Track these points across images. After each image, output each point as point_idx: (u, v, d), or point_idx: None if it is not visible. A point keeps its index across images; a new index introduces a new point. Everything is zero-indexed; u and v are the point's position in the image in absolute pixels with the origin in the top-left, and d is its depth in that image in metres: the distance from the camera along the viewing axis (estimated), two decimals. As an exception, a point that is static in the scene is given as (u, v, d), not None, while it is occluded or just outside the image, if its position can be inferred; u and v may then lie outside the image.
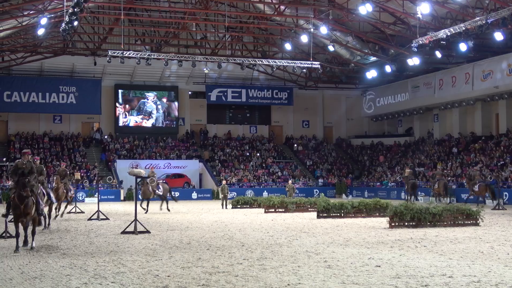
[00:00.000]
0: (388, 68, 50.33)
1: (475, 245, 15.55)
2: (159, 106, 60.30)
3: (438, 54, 44.28)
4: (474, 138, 52.09)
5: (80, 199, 43.83)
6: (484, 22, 35.31)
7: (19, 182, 15.24)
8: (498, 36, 37.69)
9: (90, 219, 26.40)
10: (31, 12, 42.36)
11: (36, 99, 55.27)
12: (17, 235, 15.14)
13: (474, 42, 39.87)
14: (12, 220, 15.70)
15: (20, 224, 15.22)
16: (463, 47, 39.87)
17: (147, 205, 31.52)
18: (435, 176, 41.67)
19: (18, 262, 13.08)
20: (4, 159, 51.29)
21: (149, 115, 60.12)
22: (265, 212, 31.40)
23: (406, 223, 20.84)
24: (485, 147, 49.01)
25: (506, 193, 38.75)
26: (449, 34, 38.00)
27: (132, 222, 19.86)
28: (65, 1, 37.35)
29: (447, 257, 13.33)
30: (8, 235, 18.20)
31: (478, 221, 21.61)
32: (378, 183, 53.64)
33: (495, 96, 48.60)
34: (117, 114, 59.00)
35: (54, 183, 28.03)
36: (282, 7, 44.62)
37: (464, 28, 36.99)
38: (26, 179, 15.22)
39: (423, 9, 37.85)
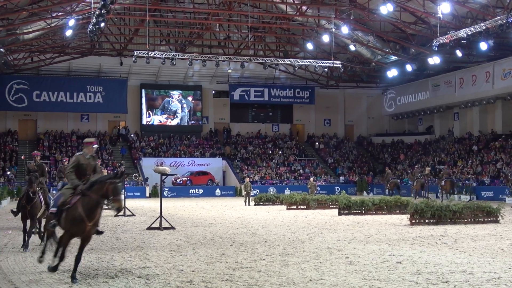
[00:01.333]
0: (408, 67, 50.07)
1: (495, 242, 15.43)
2: (184, 105, 60.48)
3: (459, 53, 43.98)
4: (494, 136, 51.65)
5: (107, 195, 44.10)
6: (504, 21, 35.08)
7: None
8: (519, 35, 37.41)
9: (116, 215, 26.57)
10: (59, 14, 42.67)
11: (64, 99, 55.72)
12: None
13: (494, 41, 39.57)
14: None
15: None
16: (483, 46, 39.59)
17: None
18: (442, 174, 41.80)
19: (48, 256, 13.20)
20: (22, 157, 51.81)
21: (173, 114, 60.32)
22: (287, 209, 31.40)
23: (427, 220, 20.75)
24: (505, 145, 48.57)
25: (526, 190, 38.35)
26: (469, 33, 37.74)
27: (157, 218, 19.99)
28: (92, 3, 37.56)
29: (467, 254, 13.25)
30: (37, 230, 18.39)
31: (498, 219, 21.47)
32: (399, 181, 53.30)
33: (516, 94, 48.25)
34: (142, 113, 59.28)
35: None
36: (304, 8, 44.52)
37: (484, 27, 36.74)
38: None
39: (444, 9, 37.65)
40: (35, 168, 14.71)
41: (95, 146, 11.79)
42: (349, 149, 62.39)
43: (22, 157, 49.45)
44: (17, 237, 17.58)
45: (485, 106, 52.76)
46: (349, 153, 61.56)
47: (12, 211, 16.33)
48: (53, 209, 11.00)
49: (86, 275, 10.71)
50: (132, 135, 58.63)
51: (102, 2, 34.16)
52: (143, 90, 59.27)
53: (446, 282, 9.84)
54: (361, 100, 64.77)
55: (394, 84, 59.53)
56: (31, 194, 14.82)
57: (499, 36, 39.56)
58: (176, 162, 53.99)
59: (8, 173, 49.17)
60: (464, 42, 39.17)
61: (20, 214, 15.55)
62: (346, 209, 26.69)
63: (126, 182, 42.35)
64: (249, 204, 36.51)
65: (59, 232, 11.19)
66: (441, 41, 39.52)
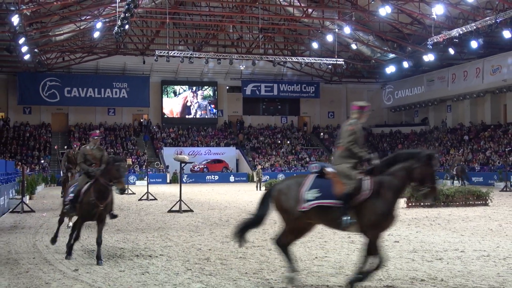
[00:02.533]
0: (405, 64, 49.84)
1: (485, 223, 15.38)
2: (201, 100, 60.51)
3: (451, 51, 43.75)
4: (483, 126, 51.45)
5: (132, 182, 44.26)
6: (493, 21, 34.98)
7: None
8: (507, 34, 37.22)
9: (140, 199, 26.67)
10: (87, 18, 42.77)
11: (93, 94, 55.92)
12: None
13: (484, 40, 39.34)
14: None
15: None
16: (474, 44, 39.41)
17: None
18: (455, 161, 41.29)
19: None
20: (65, 147, 52.06)
21: (191, 107, 60.37)
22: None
23: (422, 204, 20.69)
24: (494, 135, 48.38)
25: (513, 176, 38.13)
26: (461, 32, 37.61)
27: (177, 202, 20.04)
28: (117, 7, 37.61)
29: (459, 234, 13.21)
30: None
31: (487, 202, 21.39)
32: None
33: (503, 89, 48.15)
34: (163, 107, 59.38)
35: None
36: (310, 10, 44.39)
37: (475, 27, 36.58)
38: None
39: (438, 10, 37.59)
40: (94, 154, 12.92)
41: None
42: (351, 139, 62.15)
43: (55, 147, 49.73)
44: (51, 219, 17.67)
45: (475, 99, 52.60)
46: (351, 143, 61.34)
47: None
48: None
49: (113, 254, 10.76)
50: (154, 127, 58.78)
51: (127, 6, 34.19)
52: (164, 86, 59.38)
53: (439, 259, 9.81)
54: (362, 94, 64.45)
55: (392, 80, 59.32)
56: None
57: (488, 35, 39.31)
58: (194, 151, 54.09)
59: (43, 161, 49.45)
60: (456, 41, 39.02)
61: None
62: (348, 193, 26.64)
63: (149, 170, 42.68)
64: (260, 189, 36.53)
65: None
66: (435, 40, 39.37)
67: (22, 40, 39.11)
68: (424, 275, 8.45)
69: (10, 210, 20.12)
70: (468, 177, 38.92)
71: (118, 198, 28.12)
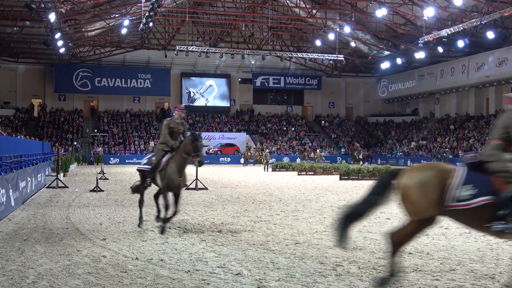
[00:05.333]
0: (398, 60, 49.56)
1: (467, 204, 15.30)
2: (216, 90, 60.46)
3: (440, 49, 43.49)
4: (468, 117, 51.16)
5: (154, 162, 44.38)
6: (479, 23, 34.68)
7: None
8: (490, 34, 36.90)
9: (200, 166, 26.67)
10: (116, 16, 42.72)
11: (120, 84, 55.97)
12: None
13: (470, 40, 39.06)
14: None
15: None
16: (461, 43, 39.14)
17: None
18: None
19: (106, 210, 13.36)
20: (96, 130, 52.28)
21: (207, 97, 60.35)
22: (298, 174, 31.42)
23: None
24: (477, 125, 48.12)
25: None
26: (449, 32, 37.36)
27: (193, 181, 20.09)
28: (143, 6, 37.52)
29: (444, 212, 13.16)
30: (98, 189, 18.60)
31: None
32: (389, 153, 53.14)
33: (486, 84, 47.84)
34: (182, 96, 59.38)
35: None
36: (314, 11, 44.13)
37: (462, 28, 36.31)
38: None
39: (429, 13, 37.34)
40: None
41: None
42: (349, 126, 62.10)
43: (86, 130, 49.92)
44: (82, 194, 17.78)
45: (461, 93, 52.36)
46: (349, 130, 61.27)
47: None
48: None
49: (136, 225, 10.81)
50: (173, 114, 58.74)
51: (151, 6, 34.11)
52: (183, 78, 59.35)
53: (426, 235, 9.78)
54: (359, 87, 64.30)
55: (387, 74, 58.97)
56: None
57: (474, 36, 38.99)
58: (209, 136, 54.10)
59: (75, 143, 49.67)
60: (445, 40, 38.75)
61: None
62: (345, 175, 26.65)
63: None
64: (267, 170, 36.59)
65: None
66: (426, 39, 39.11)
67: (58, 35, 39.14)
68: (412, 249, 8.44)
69: (46, 186, 20.25)
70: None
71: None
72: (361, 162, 45.19)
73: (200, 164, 9.93)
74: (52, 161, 26.50)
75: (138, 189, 10.90)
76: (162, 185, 9.95)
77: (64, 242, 8.92)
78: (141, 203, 10.73)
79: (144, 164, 10.47)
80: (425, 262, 7.54)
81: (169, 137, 10.13)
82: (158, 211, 10.58)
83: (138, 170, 10.76)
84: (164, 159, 9.94)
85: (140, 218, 10.56)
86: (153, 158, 10.23)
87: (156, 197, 10.78)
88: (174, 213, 9.84)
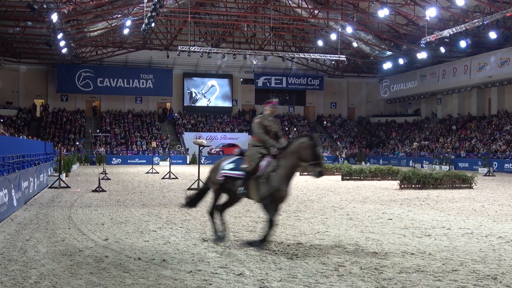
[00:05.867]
0: (400, 61, 49.54)
1: (469, 204, 15.32)
2: (218, 90, 60.47)
3: (442, 50, 43.45)
4: (470, 118, 51.11)
5: (156, 162, 44.39)
6: (481, 23, 34.64)
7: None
8: (492, 35, 36.88)
9: (163, 178, 26.78)
10: (118, 16, 42.75)
11: (122, 84, 56.01)
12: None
13: (472, 40, 39.07)
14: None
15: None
16: (463, 44, 39.10)
17: None
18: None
19: (108, 210, 13.37)
20: (98, 130, 52.33)
21: (209, 97, 60.37)
22: (300, 175, 31.37)
23: (413, 186, 20.64)
24: (479, 126, 48.06)
25: (496, 162, 38.00)
26: (451, 33, 37.30)
27: (196, 181, 20.12)
28: (145, 6, 37.55)
29: (446, 213, 13.17)
30: (100, 189, 18.61)
31: (472, 185, 21.29)
32: (391, 154, 53.11)
33: (488, 84, 47.82)
34: (184, 96, 59.42)
35: None
36: (316, 11, 44.11)
37: (464, 28, 36.27)
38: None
39: (431, 13, 37.30)
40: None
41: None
42: (351, 127, 62.06)
43: (89, 130, 49.97)
44: (84, 194, 17.79)
45: (463, 93, 52.32)
46: (351, 130, 61.24)
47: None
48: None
49: (138, 225, 10.83)
50: (175, 114, 58.85)
51: (153, 6, 34.15)
52: (185, 78, 59.38)
53: (428, 235, 9.80)
54: (361, 87, 64.28)
55: (389, 74, 58.94)
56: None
57: (476, 36, 38.96)
58: (211, 136, 54.12)
59: (78, 143, 49.72)
60: (447, 40, 38.71)
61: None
62: (347, 175, 26.63)
63: (171, 152, 42.83)
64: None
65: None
66: (428, 40, 39.07)
67: (60, 36, 39.20)
68: (414, 249, 8.45)
69: (49, 186, 20.28)
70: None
71: (143, 176, 28.33)
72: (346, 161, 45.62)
73: (320, 175, 8.17)
74: (55, 161, 26.53)
75: (195, 201, 9.59)
76: (263, 195, 8.32)
77: (66, 242, 8.93)
78: (213, 214, 9.18)
79: (231, 169, 8.75)
80: (427, 262, 7.54)
81: (267, 137, 8.55)
82: (216, 230, 9.05)
83: (224, 176, 8.86)
84: (264, 163, 8.34)
85: (216, 232, 9.05)
86: (246, 162, 8.52)
87: (212, 213, 9.20)
88: (270, 227, 8.19)
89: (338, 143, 49.53)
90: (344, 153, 44.69)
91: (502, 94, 48.87)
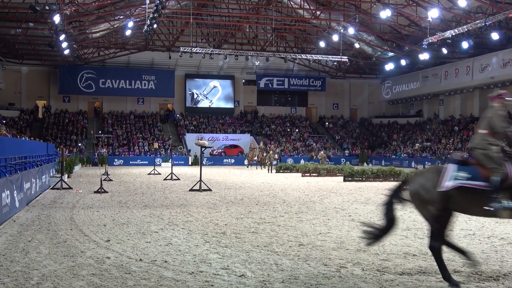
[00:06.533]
0: (403, 62, 49.48)
1: (472, 205, 15.26)
2: (220, 91, 60.50)
3: (444, 50, 43.39)
4: (472, 119, 51.00)
5: (158, 163, 44.42)
6: (483, 24, 34.57)
7: None
8: (495, 35, 36.82)
9: (165, 179, 26.80)
10: (120, 17, 42.78)
11: (124, 85, 56.06)
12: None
13: (474, 41, 38.97)
14: None
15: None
16: (465, 44, 39.03)
17: None
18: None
19: (110, 211, 13.38)
20: (100, 131, 52.38)
21: (211, 98, 60.40)
22: (302, 176, 31.38)
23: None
24: (482, 126, 47.97)
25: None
26: (454, 34, 37.24)
27: (197, 182, 20.11)
28: (147, 8, 37.58)
29: (448, 214, 13.13)
30: (102, 190, 18.63)
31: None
32: (393, 155, 53.08)
33: (491, 85, 47.61)
34: (186, 97, 59.48)
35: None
36: (318, 12, 44.11)
37: (466, 29, 36.20)
38: None
39: (433, 14, 37.25)
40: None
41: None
42: (353, 128, 62.04)
43: (91, 132, 50.04)
44: (86, 195, 17.80)
45: (466, 94, 52.26)
46: (353, 132, 61.21)
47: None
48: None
49: (140, 226, 10.83)
50: (177, 115, 58.89)
51: (155, 8, 34.17)
52: (187, 79, 59.44)
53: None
54: (363, 88, 64.24)
55: (391, 76, 58.90)
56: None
57: (478, 37, 38.90)
58: (213, 137, 54.14)
59: (80, 144, 49.76)
60: (449, 41, 38.63)
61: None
62: (349, 176, 26.60)
63: (173, 153, 42.84)
64: (271, 172, 36.57)
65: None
66: (430, 41, 39.01)
67: (62, 37, 39.23)
68: (416, 250, 8.44)
69: (51, 187, 20.30)
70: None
71: (145, 178, 28.34)
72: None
73: None
74: (57, 162, 26.55)
75: (383, 232, 7.03)
76: None
77: (68, 243, 8.94)
78: (441, 247, 6.74)
79: (464, 179, 6.52)
80: (430, 264, 7.53)
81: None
82: (447, 270, 6.61)
83: (458, 188, 6.48)
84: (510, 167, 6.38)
85: (444, 268, 6.59)
86: (490, 168, 6.46)
87: (440, 247, 6.73)
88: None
89: (314, 144, 49.13)
90: (319, 154, 44.69)
91: (504, 95, 48.75)
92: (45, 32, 42.16)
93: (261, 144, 46.74)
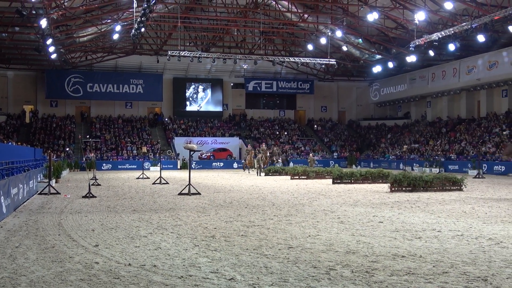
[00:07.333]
0: (390, 64, 49.76)
1: (459, 206, 15.38)
2: (208, 95, 60.46)
3: (431, 53, 43.68)
4: (459, 120, 51.42)
5: (146, 167, 44.28)
6: (469, 26, 34.87)
7: None
8: (481, 38, 37.10)
9: (154, 183, 26.70)
10: (108, 21, 42.67)
11: (112, 89, 55.88)
12: None
13: (460, 43, 39.30)
14: None
15: None
16: (451, 47, 39.31)
17: None
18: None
19: (99, 216, 13.29)
20: (88, 136, 52.11)
21: (200, 101, 60.33)
22: (291, 178, 31.42)
23: (404, 188, 20.71)
24: (469, 128, 48.35)
25: (485, 164, 38.22)
26: (440, 36, 37.52)
27: (186, 186, 20.05)
28: (134, 12, 37.51)
29: (436, 215, 13.21)
30: (90, 195, 18.51)
31: (462, 187, 21.37)
32: (381, 157, 53.29)
33: (477, 87, 48.10)
34: (174, 101, 59.35)
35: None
36: (306, 16, 44.26)
37: (452, 32, 36.50)
38: None
39: (420, 17, 37.50)
40: None
41: None
42: (341, 130, 62.25)
43: (78, 136, 49.76)
44: (74, 200, 17.69)
45: (452, 96, 52.65)
46: (341, 134, 61.41)
47: None
48: None
49: (129, 231, 10.77)
50: (166, 119, 58.75)
51: (143, 11, 34.10)
52: (175, 83, 59.32)
53: (419, 238, 9.82)
54: (351, 91, 64.52)
55: (378, 78, 59.22)
56: None
57: (465, 39, 39.24)
58: (202, 140, 54.10)
59: (67, 149, 49.49)
60: (436, 44, 38.92)
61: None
62: (338, 179, 26.67)
63: (162, 157, 42.73)
64: (260, 175, 36.57)
65: None
66: (417, 43, 39.27)
67: (49, 41, 39.04)
68: (404, 252, 8.46)
69: (39, 192, 20.14)
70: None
71: (134, 182, 28.23)
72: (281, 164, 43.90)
73: None
74: (44, 167, 26.37)
75: None
76: None
77: (56, 249, 8.87)
78: None
79: None
80: (418, 265, 7.56)
81: None
82: None
83: None
84: None
85: None
86: None
87: None
88: None
89: (275, 148, 48.33)
90: (280, 157, 44.64)
91: (491, 96, 49.23)
92: (32, 37, 41.93)
93: (249, 146, 46.58)
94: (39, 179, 23.08)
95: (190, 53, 46.27)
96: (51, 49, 41.53)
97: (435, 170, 39.87)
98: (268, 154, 41.61)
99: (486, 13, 34.31)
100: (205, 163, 51.19)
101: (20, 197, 15.67)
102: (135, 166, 47.98)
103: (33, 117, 54.33)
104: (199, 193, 19.79)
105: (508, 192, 20.93)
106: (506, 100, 47.62)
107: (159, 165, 36.17)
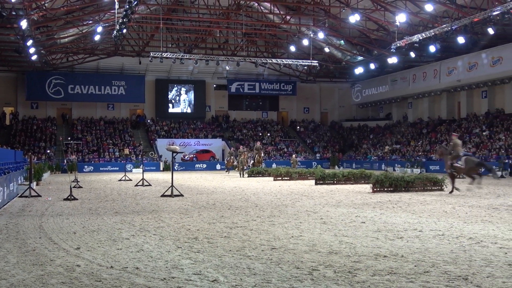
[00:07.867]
0: (372, 66, 50.11)
1: (440, 206, 15.51)
2: (191, 96, 60.29)
3: (412, 54, 44.12)
4: (440, 121, 51.90)
5: (129, 169, 44.00)
6: (449, 28, 35.22)
7: None
8: (461, 39, 37.58)
9: (136, 185, 26.55)
10: (89, 22, 42.38)
11: (94, 91, 55.46)
12: None
13: (441, 45, 39.75)
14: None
15: None
16: (432, 48, 39.75)
17: None
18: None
19: (80, 219, 13.18)
20: (69, 138, 51.64)
21: (182, 103, 60.15)
22: (274, 180, 31.45)
23: (386, 189, 20.83)
24: (449, 129, 48.81)
25: (466, 165, 38.50)
26: (421, 38, 37.83)
27: (169, 187, 19.97)
28: (116, 13, 37.29)
29: (417, 215, 13.31)
30: (72, 197, 18.36)
31: (442, 187, 21.56)
32: (363, 157, 53.57)
33: (458, 88, 48.58)
34: (157, 102, 59.09)
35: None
36: (288, 17, 44.39)
37: (433, 33, 36.82)
38: None
39: (401, 18, 37.81)
40: None
41: None
42: (324, 131, 62.48)
43: (60, 138, 49.30)
44: (55, 203, 17.52)
45: (433, 97, 53.13)
46: (324, 135, 61.64)
47: None
48: None
49: (111, 233, 10.69)
50: (148, 121, 58.46)
51: (124, 12, 33.91)
52: (158, 84, 59.07)
53: (400, 238, 9.89)
54: (333, 92, 64.80)
55: (360, 79, 59.58)
56: None
57: (445, 41, 39.64)
58: (184, 142, 53.93)
59: (48, 151, 49.00)
60: (417, 45, 39.26)
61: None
62: (321, 180, 26.76)
63: (144, 159, 42.46)
64: (243, 176, 36.55)
65: None
66: (398, 45, 39.56)
67: (30, 42, 38.65)
68: (386, 252, 8.51)
69: (19, 195, 19.91)
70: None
71: (116, 184, 28.05)
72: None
73: None
74: (25, 169, 26.09)
75: None
76: None
77: (37, 252, 8.77)
78: None
79: None
80: (400, 264, 7.61)
81: None
82: None
83: None
84: None
85: None
86: None
87: None
88: None
89: (230, 150, 47.20)
90: (291, 158, 44.65)
91: (470, 97, 49.79)
92: (12, 38, 41.47)
93: (232, 149, 46.42)
94: (19, 181, 22.82)
95: (173, 55, 46.12)
96: (32, 50, 41.12)
97: (417, 171, 40.19)
98: (249, 155, 41.40)
99: (466, 15, 34.71)
100: (188, 165, 51.04)
101: (0, 200, 15.47)
102: (117, 168, 47.66)
103: (14, 119, 53.70)
104: (182, 195, 19.72)
105: (487, 192, 21.19)
106: (485, 101, 48.18)
107: (141, 167, 35.96)
